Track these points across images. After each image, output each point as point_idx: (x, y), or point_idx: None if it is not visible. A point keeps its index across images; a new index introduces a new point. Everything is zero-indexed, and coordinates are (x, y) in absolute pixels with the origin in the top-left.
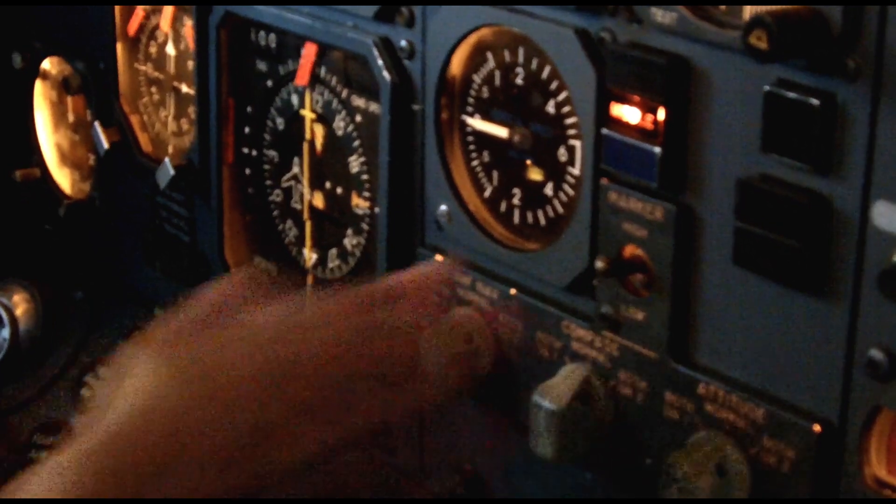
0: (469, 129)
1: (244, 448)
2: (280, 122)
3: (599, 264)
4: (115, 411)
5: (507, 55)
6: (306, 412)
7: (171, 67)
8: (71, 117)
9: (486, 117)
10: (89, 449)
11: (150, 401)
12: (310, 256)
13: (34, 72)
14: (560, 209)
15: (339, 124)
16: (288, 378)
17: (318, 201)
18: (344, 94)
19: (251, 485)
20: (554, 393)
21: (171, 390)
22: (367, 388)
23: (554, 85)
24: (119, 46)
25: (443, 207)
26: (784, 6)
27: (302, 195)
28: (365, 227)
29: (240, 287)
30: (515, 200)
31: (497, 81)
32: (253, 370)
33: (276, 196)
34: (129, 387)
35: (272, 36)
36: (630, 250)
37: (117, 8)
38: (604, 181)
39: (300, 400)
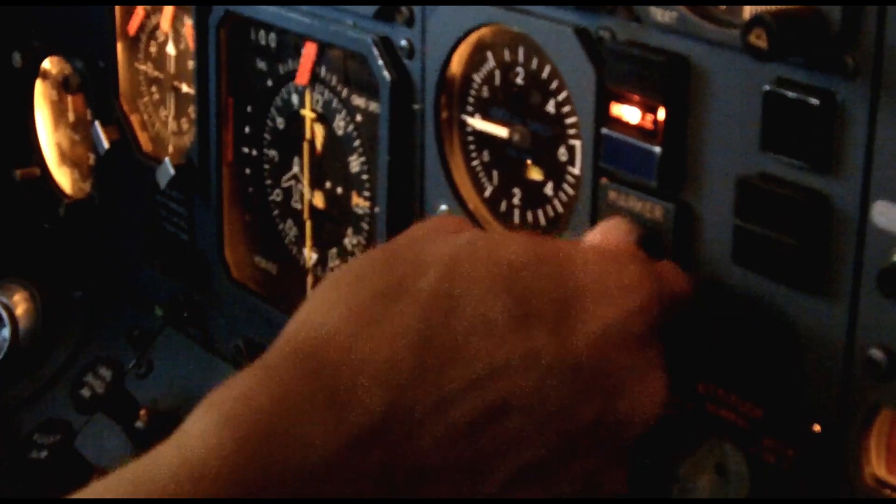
0: (469, 129)
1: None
2: (280, 122)
3: None
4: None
5: (506, 54)
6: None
7: (171, 67)
8: (71, 116)
9: (486, 117)
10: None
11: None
12: (310, 256)
13: (34, 71)
14: (560, 209)
15: (339, 124)
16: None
17: (318, 201)
18: (344, 93)
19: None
20: None
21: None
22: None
23: (554, 84)
24: (119, 46)
25: (443, 207)
26: (783, 5)
27: (302, 194)
28: (365, 226)
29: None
30: (515, 200)
31: (497, 81)
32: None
33: (276, 195)
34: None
35: (272, 35)
36: None
37: (117, 7)
38: (603, 180)
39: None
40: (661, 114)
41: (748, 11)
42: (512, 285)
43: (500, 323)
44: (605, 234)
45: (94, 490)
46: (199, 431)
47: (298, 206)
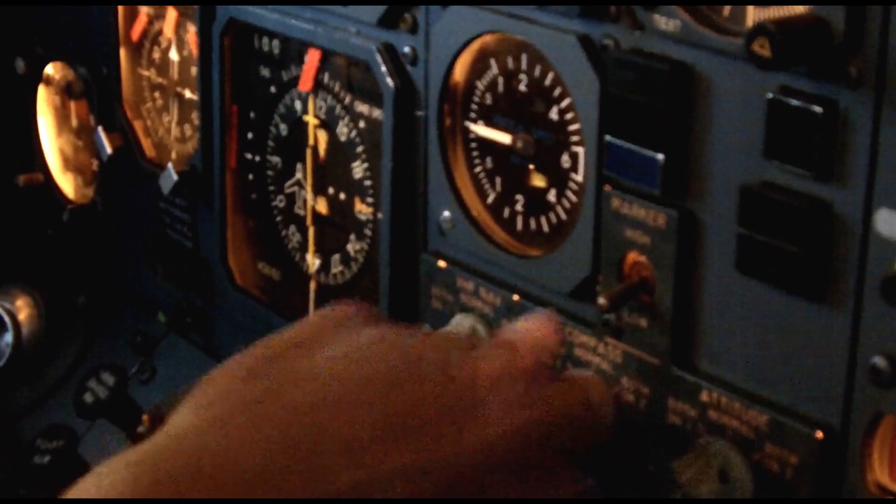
0: (472, 136)
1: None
2: (283, 128)
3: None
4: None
5: (510, 62)
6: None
7: (175, 73)
8: (74, 122)
9: (489, 124)
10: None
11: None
12: (313, 262)
13: (37, 77)
14: (563, 216)
15: (343, 130)
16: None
17: (322, 207)
18: (347, 99)
19: None
20: None
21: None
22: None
23: (557, 91)
24: (122, 52)
25: (446, 213)
26: (786, 14)
27: (305, 201)
28: (368, 232)
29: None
30: (518, 207)
31: (500, 88)
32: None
33: (279, 202)
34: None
35: (275, 42)
36: (633, 257)
37: (120, 13)
38: (606, 188)
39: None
40: (665, 122)
41: (751, 19)
42: (386, 401)
43: (364, 440)
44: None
45: None
46: None
47: (301, 213)
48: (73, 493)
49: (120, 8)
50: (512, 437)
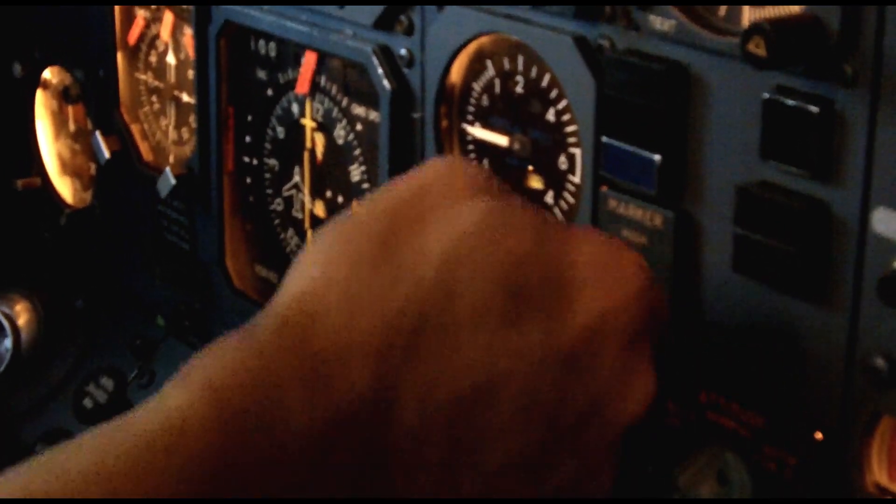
0: (469, 138)
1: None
2: (280, 131)
3: None
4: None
5: (506, 63)
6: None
7: (172, 76)
8: (71, 126)
9: (486, 125)
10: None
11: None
12: None
13: (34, 81)
14: (560, 217)
15: (340, 133)
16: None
17: (320, 210)
18: (344, 102)
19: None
20: None
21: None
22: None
23: (553, 93)
24: (119, 55)
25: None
26: (782, 14)
27: (303, 204)
28: None
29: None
30: None
31: (496, 89)
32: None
33: (277, 205)
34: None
35: (272, 44)
36: None
37: (117, 17)
38: (603, 188)
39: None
40: (661, 122)
41: (747, 19)
42: (509, 281)
43: (495, 317)
44: None
45: (57, 456)
46: (180, 400)
47: (299, 216)
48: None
49: (117, 12)
50: (611, 313)
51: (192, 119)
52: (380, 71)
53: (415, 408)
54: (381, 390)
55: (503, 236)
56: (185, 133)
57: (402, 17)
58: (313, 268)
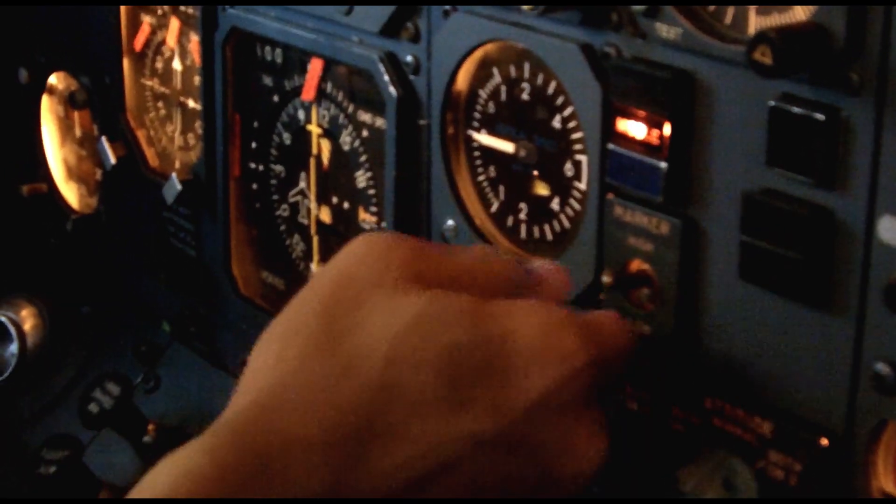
0: (475, 144)
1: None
2: (286, 137)
3: (605, 278)
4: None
5: (512, 70)
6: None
7: (178, 82)
8: (77, 132)
9: (492, 132)
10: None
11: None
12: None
13: (40, 87)
14: (566, 223)
15: (346, 139)
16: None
17: (325, 216)
18: (350, 108)
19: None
20: None
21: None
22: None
23: (559, 100)
24: (125, 61)
25: (449, 222)
26: (788, 21)
27: (309, 210)
28: None
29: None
30: (522, 215)
31: (503, 96)
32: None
33: (283, 211)
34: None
35: (278, 51)
36: (636, 264)
37: (123, 23)
38: (609, 195)
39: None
40: (667, 129)
41: (753, 27)
42: (452, 371)
43: (439, 409)
44: (547, 273)
45: None
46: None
47: (305, 222)
48: (142, 484)
49: (123, 18)
50: (553, 390)
51: (197, 125)
52: (386, 78)
53: (369, 497)
54: (336, 485)
55: (441, 330)
56: (191, 139)
57: (409, 24)
58: (264, 370)
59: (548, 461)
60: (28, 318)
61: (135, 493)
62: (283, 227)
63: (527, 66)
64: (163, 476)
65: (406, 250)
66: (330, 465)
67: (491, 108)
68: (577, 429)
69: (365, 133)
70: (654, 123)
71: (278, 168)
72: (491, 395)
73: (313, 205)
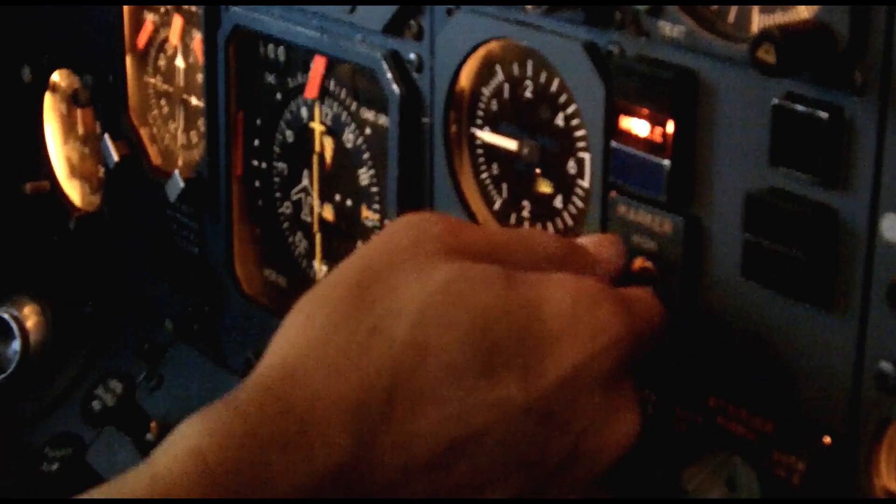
0: (478, 142)
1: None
2: (289, 135)
3: None
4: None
5: (515, 68)
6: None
7: (180, 80)
8: (80, 130)
9: (495, 130)
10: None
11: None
12: (320, 269)
13: (43, 85)
14: (569, 222)
15: (349, 137)
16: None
17: (328, 214)
18: (353, 107)
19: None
20: None
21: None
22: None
23: (562, 98)
24: (128, 59)
25: None
26: (791, 20)
27: (311, 208)
28: None
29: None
30: (525, 213)
31: (506, 94)
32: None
33: (286, 209)
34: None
35: (281, 49)
36: (639, 263)
37: (126, 21)
38: (612, 194)
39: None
40: (670, 128)
41: (756, 26)
42: (482, 335)
43: (469, 372)
44: (597, 247)
45: None
46: (168, 461)
47: (308, 220)
48: (170, 439)
49: (126, 16)
50: (587, 363)
51: (200, 123)
52: (389, 76)
53: (394, 464)
54: (361, 450)
55: (472, 294)
56: (194, 137)
57: (412, 23)
58: (294, 332)
59: (580, 434)
60: (31, 317)
61: (161, 449)
62: (285, 226)
63: (530, 65)
64: (191, 430)
65: (444, 226)
66: (355, 425)
67: (494, 106)
68: (610, 403)
69: (368, 131)
70: (657, 122)
71: (281, 166)
72: (522, 364)
73: (316, 203)
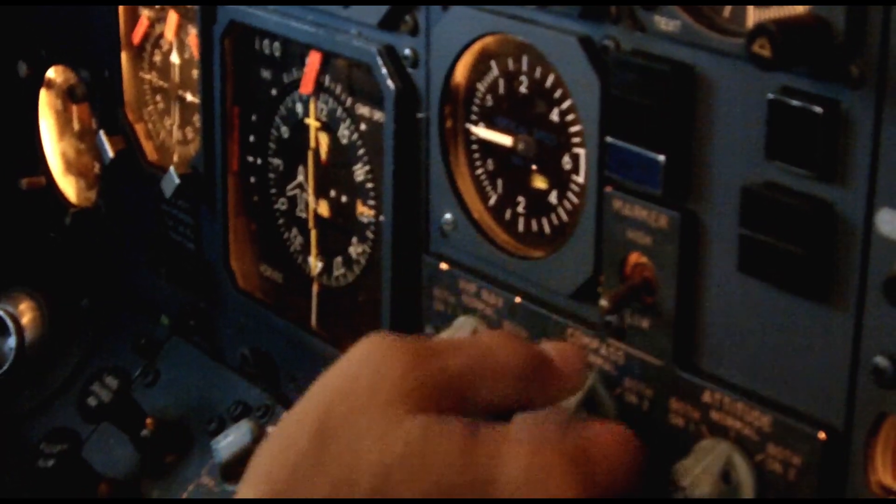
0: (473, 138)
1: None
2: (285, 131)
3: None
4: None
5: (510, 63)
6: None
7: (176, 76)
8: (76, 126)
9: (491, 125)
10: None
11: None
12: (315, 264)
13: (39, 80)
14: (565, 217)
15: (344, 132)
16: None
17: (323, 209)
18: (348, 102)
19: None
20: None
21: None
22: None
23: (558, 93)
24: (123, 55)
25: (447, 216)
26: (787, 14)
27: (307, 203)
28: (370, 235)
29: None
30: (520, 208)
31: (501, 89)
32: None
33: (281, 204)
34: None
35: (276, 44)
36: (634, 258)
37: (122, 17)
38: (608, 189)
39: None
40: (666, 123)
41: (752, 20)
42: (439, 497)
43: None
44: (562, 358)
45: None
46: None
47: (303, 215)
48: None
49: (121, 11)
50: None
51: (196, 119)
52: (384, 71)
53: None
54: None
55: (428, 467)
56: (190, 132)
57: (407, 18)
58: (259, 481)
59: None
60: (27, 312)
61: None
62: (281, 221)
63: (525, 60)
64: None
65: (404, 360)
66: None
67: (489, 101)
68: None
69: (363, 126)
70: (653, 116)
71: (276, 162)
72: None
73: (311, 198)
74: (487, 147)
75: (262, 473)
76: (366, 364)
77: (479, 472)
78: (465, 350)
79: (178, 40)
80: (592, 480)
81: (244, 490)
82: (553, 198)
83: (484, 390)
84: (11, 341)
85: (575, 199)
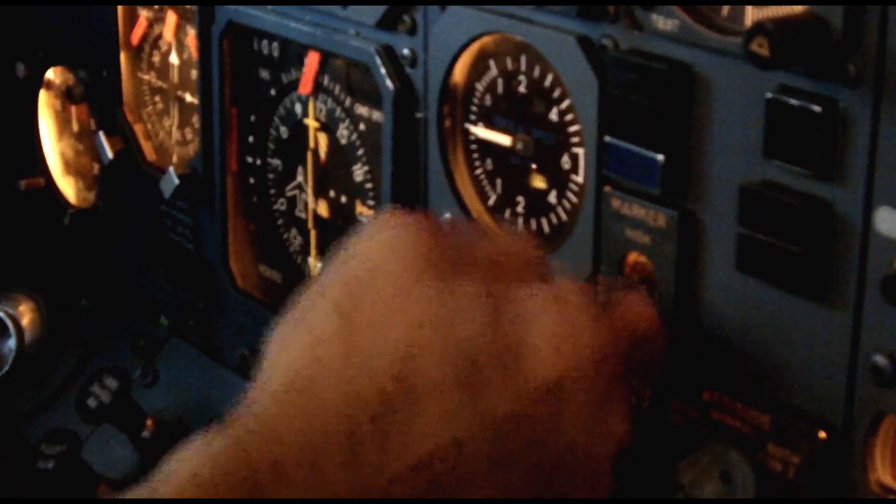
0: (472, 137)
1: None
2: (283, 131)
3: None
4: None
5: (509, 63)
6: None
7: (175, 76)
8: (75, 126)
9: (489, 125)
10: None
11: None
12: (315, 265)
13: (38, 81)
14: (564, 216)
15: (343, 133)
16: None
17: (323, 210)
18: (347, 102)
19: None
20: None
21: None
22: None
23: (556, 92)
24: (122, 55)
25: (446, 215)
26: (785, 13)
27: (306, 204)
28: None
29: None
30: (519, 208)
31: (499, 89)
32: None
33: (281, 205)
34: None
35: (275, 45)
36: (633, 257)
37: (120, 17)
38: (607, 188)
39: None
40: (664, 122)
41: (750, 19)
42: (464, 360)
43: (451, 392)
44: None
45: None
46: (169, 490)
47: (303, 216)
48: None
49: (120, 12)
50: (569, 374)
51: (195, 119)
52: (383, 71)
53: (386, 476)
54: (352, 472)
55: (454, 323)
56: (189, 133)
57: (406, 17)
58: (285, 356)
59: (567, 440)
60: (26, 313)
61: (161, 478)
62: (280, 222)
63: (524, 59)
64: (186, 464)
65: (427, 239)
66: (345, 459)
67: (488, 100)
68: (595, 415)
69: (362, 126)
70: (651, 115)
71: (275, 162)
72: (504, 379)
73: (311, 199)
74: (486, 147)
75: (293, 347)
76: (390, 241)
77: (509, 319)
78: (483, 236)
79: (176, 41)
80: (619, 335)
81: (267, 367)
82: (552, 197)
83: (504, 274)
84: (11, 342)
85: (574, 199)
